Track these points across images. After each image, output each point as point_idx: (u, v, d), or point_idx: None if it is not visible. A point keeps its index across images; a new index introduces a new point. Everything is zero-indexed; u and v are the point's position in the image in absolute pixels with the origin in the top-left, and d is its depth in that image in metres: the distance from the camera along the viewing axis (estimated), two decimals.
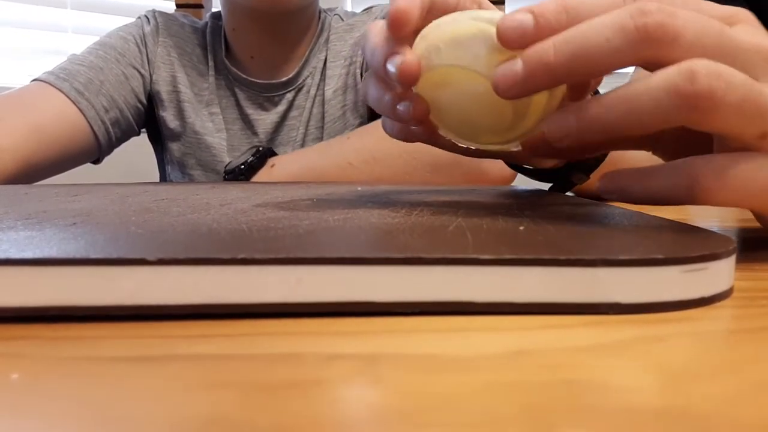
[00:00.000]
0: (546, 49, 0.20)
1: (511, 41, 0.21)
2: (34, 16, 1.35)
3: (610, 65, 0.20)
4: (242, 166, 0.60)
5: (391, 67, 0.24)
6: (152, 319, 0.16)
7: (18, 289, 0.15)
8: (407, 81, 0.24)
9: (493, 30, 0.22)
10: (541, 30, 0.21)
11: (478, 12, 0.24)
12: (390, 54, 0.24)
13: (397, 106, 0.26)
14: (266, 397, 0.11)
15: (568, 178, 0.42)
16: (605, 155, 0.41)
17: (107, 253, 0.16)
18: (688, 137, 0.24)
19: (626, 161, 0.43)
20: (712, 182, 0.20)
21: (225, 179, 0.61)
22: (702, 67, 0.19)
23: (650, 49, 0.20)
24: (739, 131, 0.20)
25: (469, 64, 0.23)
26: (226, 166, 0.63)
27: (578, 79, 0.23)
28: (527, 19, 0.21)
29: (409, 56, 0.24)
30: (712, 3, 0.22)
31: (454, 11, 0.25)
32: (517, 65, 0.21)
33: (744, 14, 0.23)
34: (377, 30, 0.26)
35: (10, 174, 0.59)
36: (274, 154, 0.64)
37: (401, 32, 0.24)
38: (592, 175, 0.42)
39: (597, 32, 0.20)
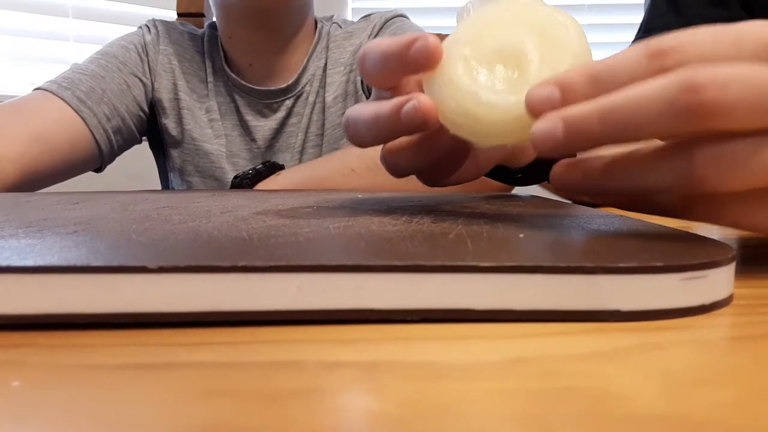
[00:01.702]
0: (590, 118, 0.20)
1: (536, 112, 0.21)
2: (36, 24, 1.35)
3: (652, 136, 0.20)
4: (251, 172, 0.61)
5: (417, 47, 0.24)
6: (153, 327, 0.16)
7: (19, 296, 0.16)
8: (431, 60, 0.24)
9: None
10: (568, 102, 0.20)
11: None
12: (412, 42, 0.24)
13: (404, 107, 0.24)
14: (266, 405, 0.11)
15: (545, 175, 0.43)
16: None
17: (108, 260, 0.16)
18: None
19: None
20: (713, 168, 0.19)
21: (233, 182, 0.61)
22: (703, 76, 0.18)
23: (701, 126, 0.19)
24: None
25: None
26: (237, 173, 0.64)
27: (614, 143, 0.21)
28: (554, 93, 0.20)
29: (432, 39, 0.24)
30: None
31: None
32: (557, 129, 0.20)
33: None
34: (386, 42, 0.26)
35: (12, 182, 0.59)
36: (283, 169, 0.64)
37: (433, 66, 0.24)
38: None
39: (647, 107, 0.19)
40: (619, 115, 0.19)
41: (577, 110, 0.20)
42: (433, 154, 0.28)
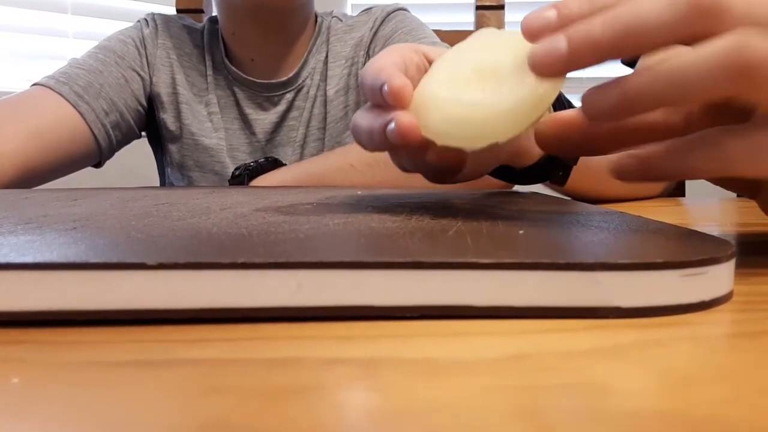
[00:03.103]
0: (593, 24, 0.20)
1: (534, 35, 0.21)
2: (35, 21, 1.35)
3: (657, 42, 0.20)
4: (252, 164, 0.61)
5: (385, 88, 0.25)
6: (152, 324, 0.16)
7: (18, 293, 0.15)
8: (400, 101, 0.25)
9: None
10: (564, 22, 0.21)
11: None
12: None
13: (388, 126, 0.25)
14: (266, 402, 0.11)
15: (547, 175, 0.44)
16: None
17: (107, 257, 0.16)
18: None
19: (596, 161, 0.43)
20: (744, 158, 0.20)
21: (233, 174, 0.61)
22: (753, 36, 0.18)
23: (701, 24, 0.19)
24: None
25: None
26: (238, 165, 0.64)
27: (621, 56, 0.21)
28: (551, 14, 0.21)
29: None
30: None
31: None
32: (560, 42, 0.20)
33: None
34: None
35: (10, 179, 0.59)
36: (284, 165, 0.64)
37: (403, 106, 0.25)
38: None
39: (647, 7, 0.19)
40: (621, 18, 0.20)
41: (580, 22, 0.20)
42: (428, 164, 0.29)
